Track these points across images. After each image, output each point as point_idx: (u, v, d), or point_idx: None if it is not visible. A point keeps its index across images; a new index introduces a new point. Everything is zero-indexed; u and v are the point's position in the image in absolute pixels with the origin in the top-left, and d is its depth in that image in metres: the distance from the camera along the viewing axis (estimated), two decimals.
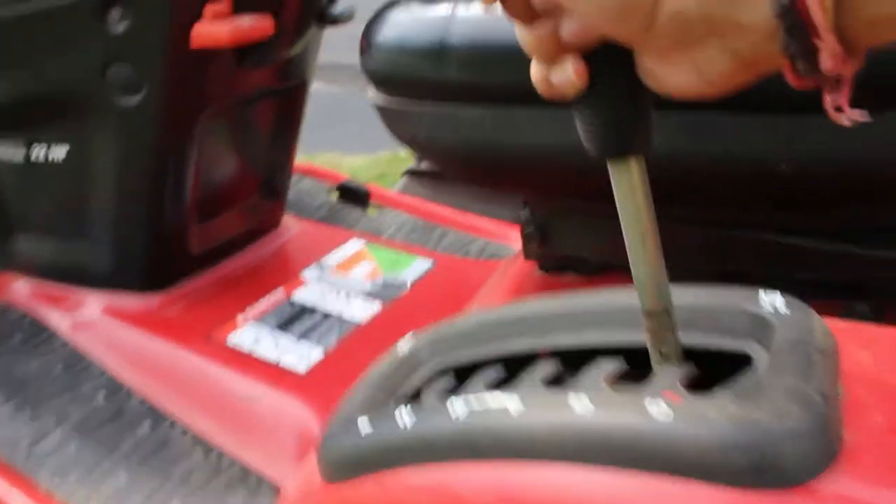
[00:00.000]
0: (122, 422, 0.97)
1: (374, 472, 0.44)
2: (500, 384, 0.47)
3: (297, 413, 0.94)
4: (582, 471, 0.35)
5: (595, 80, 0.36)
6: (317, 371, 0.99)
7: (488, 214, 1.38)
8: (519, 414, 0.39)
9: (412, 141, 0.65)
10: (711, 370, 0.43)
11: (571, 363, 0.46)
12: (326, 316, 1.10)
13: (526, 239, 0.73)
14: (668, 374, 0.41)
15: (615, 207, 0.40)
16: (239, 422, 0.96)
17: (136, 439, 0.95)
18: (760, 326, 0.42)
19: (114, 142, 1.01)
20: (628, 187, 0.39)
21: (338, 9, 1.07)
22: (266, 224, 1.28)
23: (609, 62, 0.36)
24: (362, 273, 1.20)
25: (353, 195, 1.44)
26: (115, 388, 1.02)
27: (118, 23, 0.93)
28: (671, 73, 0.34)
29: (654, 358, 0.43)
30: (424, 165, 1.54)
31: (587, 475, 0.35)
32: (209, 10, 0.92)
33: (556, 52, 0.36)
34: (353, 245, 1.28)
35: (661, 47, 0.33)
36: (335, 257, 1.24)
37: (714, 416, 0.34)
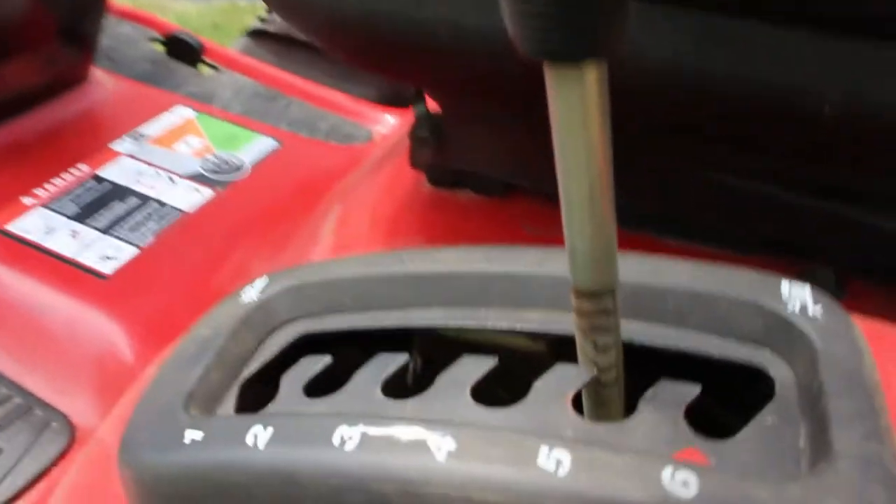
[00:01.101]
0: None
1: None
2: (405, 387, 0.33)
3: (97, 328, 0.75)
4: None
5: None
6: (125, 273, 0.79)
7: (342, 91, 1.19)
8: (456, 478, 0.25)
9: (284, 3, 0.46)
10: (704, 383, 0.30)
11: (503, 352, 0.33)
12: (142, 201, 0.90)
13: (416, 142, 0.57)
14: (665, 402, 0.28)
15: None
16: (20, 337, 0.75)
17: None
18: (782, 332, 0.30)
19: None
20: (577, 106, 0.23)
21: None
22: (68, 78, 1.02)
23: None
24: (189, 149, 0.99)
25: (183, 49, 1.19)
26: None
27: None
28: None
29: (583, 351, 0.29)
30: (272, 27, 1.31)
31: None
32: None
33: None
34: (180, 113, 1.06)
35: None
36: (155, 127, 1.02)
37: None
